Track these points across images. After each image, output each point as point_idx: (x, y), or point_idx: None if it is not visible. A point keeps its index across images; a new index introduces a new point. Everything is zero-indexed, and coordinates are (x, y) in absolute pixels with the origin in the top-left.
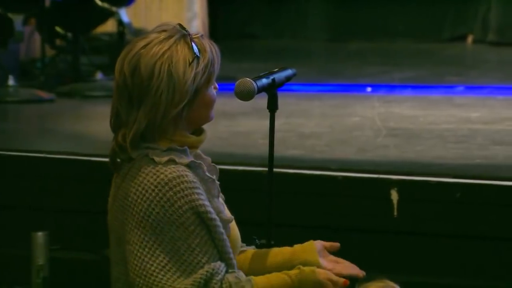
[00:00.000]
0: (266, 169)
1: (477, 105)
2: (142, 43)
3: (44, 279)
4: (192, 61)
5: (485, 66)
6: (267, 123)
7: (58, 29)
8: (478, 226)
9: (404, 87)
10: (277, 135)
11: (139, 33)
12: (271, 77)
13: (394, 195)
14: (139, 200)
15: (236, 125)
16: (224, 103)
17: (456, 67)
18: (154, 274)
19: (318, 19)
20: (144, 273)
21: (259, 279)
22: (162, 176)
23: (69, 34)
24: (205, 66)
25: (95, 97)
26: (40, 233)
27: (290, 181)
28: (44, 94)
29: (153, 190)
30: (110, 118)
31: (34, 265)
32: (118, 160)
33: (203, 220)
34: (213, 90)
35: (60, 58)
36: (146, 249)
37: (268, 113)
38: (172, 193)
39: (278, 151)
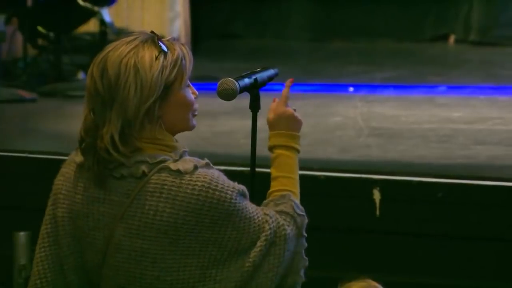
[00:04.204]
0: (248, 168)
1: (459, 105)
2: (110, 47)
3: (26, 279)
4: (159, 54)
5: (467, 66)
6: (249, 123)
7: (40, 28)
8: (460, 226)
9: (386, 87)
10: (259, 135)
11: (121, 32)
12: (253, 77)
13: (377, 195)
14: (181, 213)
15: (218, 125)
16: (206, 103)
17: (438, 67)
18: (225, 263)
19: (300, 19)
20: (215, 265)
21: (278, 185)
22: (199, 183)
23: (51, 34)
24: (173, 61)
25: (77, 96)
26: (22, 233)
27: None
28: (26, 94)
29: (198, 199)
30: (82, 128)
31: (16, 265)
32: (113, 174)
33: (246, 195)
34: (188, 91)
35: (42, 58)
36: (211, 247)
37: (250, 113)
38: (218, 193)
39: (260, 150)
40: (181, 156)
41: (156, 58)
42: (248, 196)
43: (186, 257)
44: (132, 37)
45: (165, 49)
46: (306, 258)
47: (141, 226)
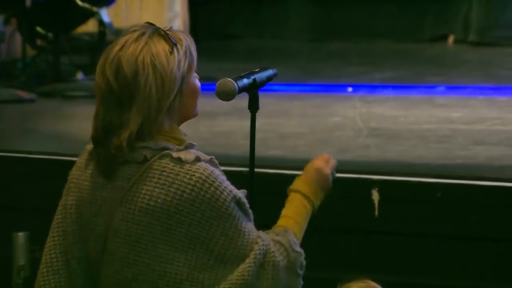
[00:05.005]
0: (247, 169)
1: (458, 105)
2: (117, 46)
3: (25, 279)
4: (172, 49)
5: (466, 66)
6: (248, 123)
7: (39, 29)
8: (459, 226)
9: (385, 87)
10: (258, 135)
11: (120, 33)
12: (252, 77)
13: (375, 195)
14: (175, 201)
15: (217, 125)
16: (205, 103)
17: (437, 67)
18: (213, 269)
19: (299, 19)
20: (203, 269)
21: (284, 223)
22: (197, 174)
23: (50, 34)
24: (184, 52)
25: (76, 97)
26: (21, 233)
27: (271, 181)
28: (25, 94)
29: (192, 190)
30: (96, 127)
31: (15, 265)
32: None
33: (241, 206)
34: (195, 78)
35: (41, 58)
36: (198, 246)
37: (249, 113)
38: (213, 189)
39: (259, 151)
40: (186, 147)
41: (171, 52)
42: (247, 211)
43: (175, 250)
44: (136, 33)
45: (175, 41)
46: None
47: (136, 210)
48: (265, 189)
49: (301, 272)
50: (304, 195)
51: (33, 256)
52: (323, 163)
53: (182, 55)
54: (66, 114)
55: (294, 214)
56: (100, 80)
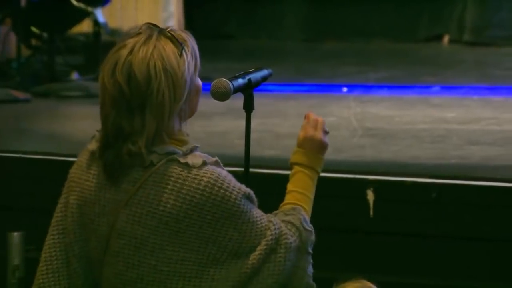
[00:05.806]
0: (242, 169)
1: (453, 105)
2: (125, 51)
3: (19, 279)
4: (181, 52)
5: (461, 66)
6: (243, 123)
7: (33, 29)
8: (454, 226)
9: (380, 87)
10: (253, 135)
11: (115, 33)
12: (247, 77)
13: (370, 195)
14: (184, 207)
15: (212, 125)
16: (200, 103)
17: (432, 67)
18: (225, 263)
19: (294, 19)
20: (214, 264)
21: (291, 198)
22: (205, 179)
23: (45, 34)
24: (191, 54)
25: (70, 97)
26: (15, 233)
27: (266, 181)
28: (19, 94)
29: (202, 195)
30: (105, 132)
31: (9, 265)
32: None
33: (252, 200)
34: (198, 77)
35: (35, 58)
36: (211, 245)
37: (244, 113)
38: (223, 191)
39: (254, 151)
40: (191, 151)
41: (180, 56)
42: (255, 201)
43: (185, 251)
44: (143, 36)
45: (182, 43)
46: (311, 276)
47: (143, 214)
48: (260, 189)
49: (311, 251)
50: (305, 165)
51: (28, 256)
52: (312, 129)
53: (190, 57)
54: (61, 114)
55: (299, 186)
56: (111, 86)
